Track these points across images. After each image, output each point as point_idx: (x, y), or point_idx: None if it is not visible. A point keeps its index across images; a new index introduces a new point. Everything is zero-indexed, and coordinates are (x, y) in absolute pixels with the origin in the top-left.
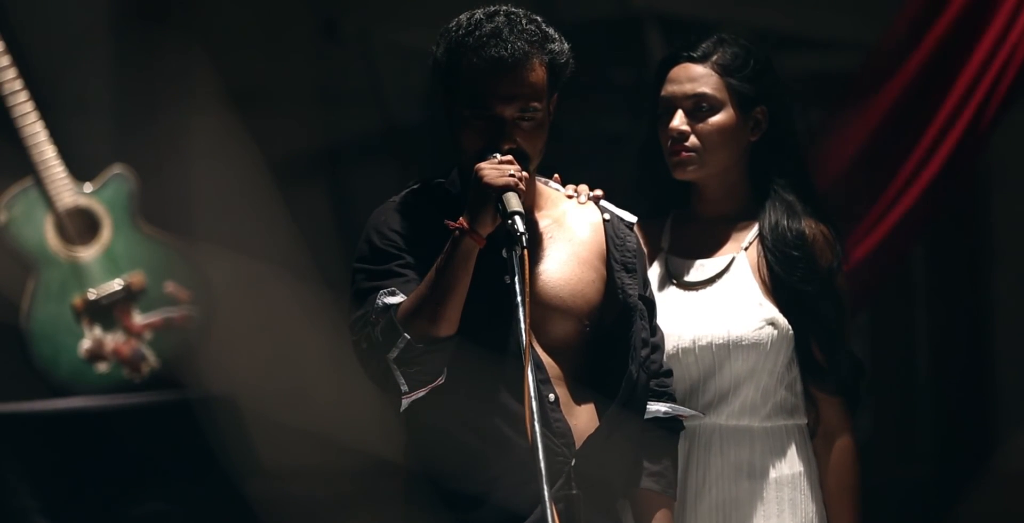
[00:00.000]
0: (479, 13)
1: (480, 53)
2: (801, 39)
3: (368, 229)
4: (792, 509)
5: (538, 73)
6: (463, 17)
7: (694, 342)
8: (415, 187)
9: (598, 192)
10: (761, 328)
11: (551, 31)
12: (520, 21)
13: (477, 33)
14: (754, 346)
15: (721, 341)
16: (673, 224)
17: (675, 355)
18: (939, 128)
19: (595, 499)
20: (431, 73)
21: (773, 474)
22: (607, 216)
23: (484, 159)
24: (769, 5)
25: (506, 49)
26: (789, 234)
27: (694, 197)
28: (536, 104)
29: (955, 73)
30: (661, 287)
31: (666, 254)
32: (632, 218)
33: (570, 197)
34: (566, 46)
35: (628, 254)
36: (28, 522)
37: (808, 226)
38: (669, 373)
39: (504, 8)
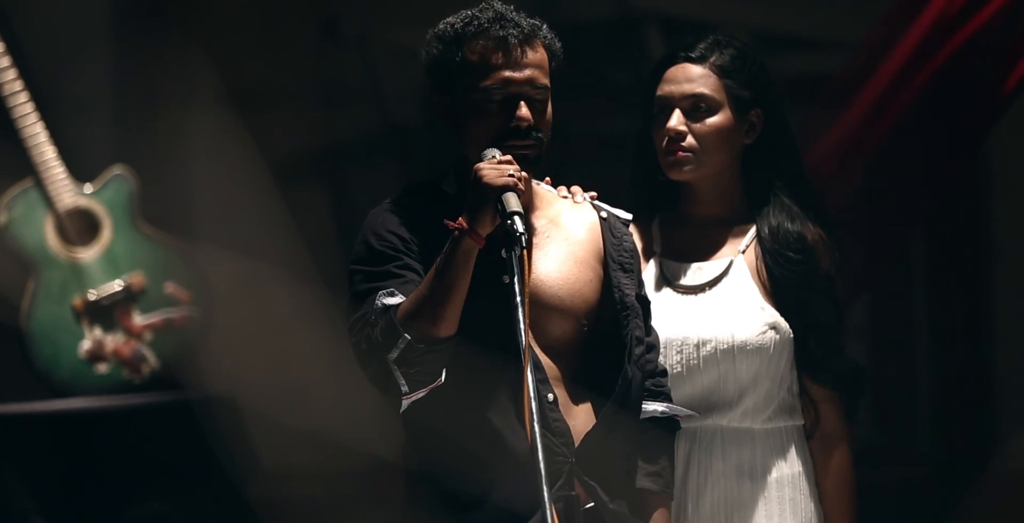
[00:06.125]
0: (467, 11)
1: (487, 35)
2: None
3: (365, 230)
4: (793, 508)
5: (542, 53)
6: (451, 18)
7: (698, 347)
8: (411, 188)
9: (592, 193)
10: (764, 332)
11: (539, 22)
12: (512, 10)
13: (476, 22)
14: (758, 350)
15: (726, 346)
16: (661, 227)
17: (679, 359)
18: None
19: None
20: (426, 74)
21: (774, 474)
22: (604, 214)
23: (502, 143)
24: (769, 6)
25: (512, 28)
26: (790, 237)
27: (686, 199)
28: (546, 82)
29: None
30: (657, 290)
31: (659, 257)
32: (628, 215)
33: (565, 198)
34: (557, 39)
35: (624, 254)
36: None
37: (808, 230)
38: (665, 373)
39: (494, 3)
